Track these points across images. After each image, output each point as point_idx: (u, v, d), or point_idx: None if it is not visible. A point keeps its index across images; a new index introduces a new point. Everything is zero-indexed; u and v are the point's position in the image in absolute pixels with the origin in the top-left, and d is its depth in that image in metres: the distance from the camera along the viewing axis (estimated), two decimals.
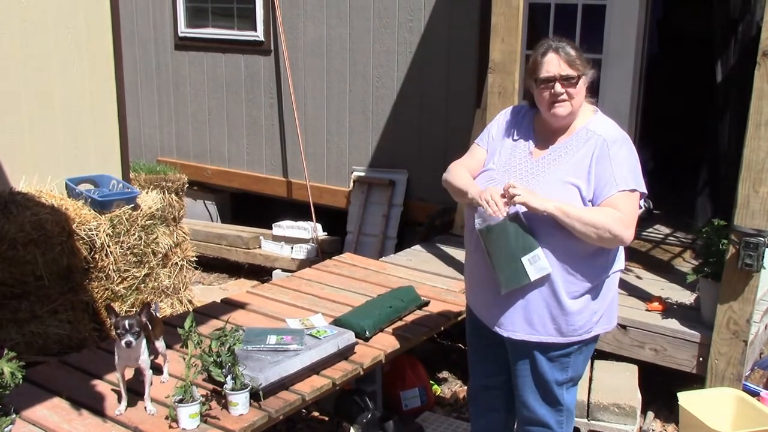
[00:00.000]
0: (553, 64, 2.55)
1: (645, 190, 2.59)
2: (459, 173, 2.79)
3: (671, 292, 4.38)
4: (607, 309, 2.72)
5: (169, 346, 3.35)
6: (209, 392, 2.90)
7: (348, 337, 3.31)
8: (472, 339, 2.97)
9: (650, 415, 4.08)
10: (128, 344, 2.71)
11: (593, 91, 5.65)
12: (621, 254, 2.73)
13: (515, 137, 2.75)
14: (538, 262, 2.51)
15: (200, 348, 2.81)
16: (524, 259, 2.51)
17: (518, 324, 2.66)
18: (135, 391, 2.96)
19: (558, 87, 2.55)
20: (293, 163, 6.88)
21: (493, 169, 2.72)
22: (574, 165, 2.58)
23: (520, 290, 2.61)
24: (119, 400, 2.85)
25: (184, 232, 4.88)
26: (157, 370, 3.06)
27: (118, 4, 4.70)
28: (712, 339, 3.77)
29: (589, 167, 2.55)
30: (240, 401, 2.76)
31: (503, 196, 2.51)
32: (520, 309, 2.65)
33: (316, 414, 4.03)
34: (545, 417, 2.80)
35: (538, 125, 2.73)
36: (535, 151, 2.69)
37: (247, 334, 3.08)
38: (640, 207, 2.65)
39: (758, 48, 3.45)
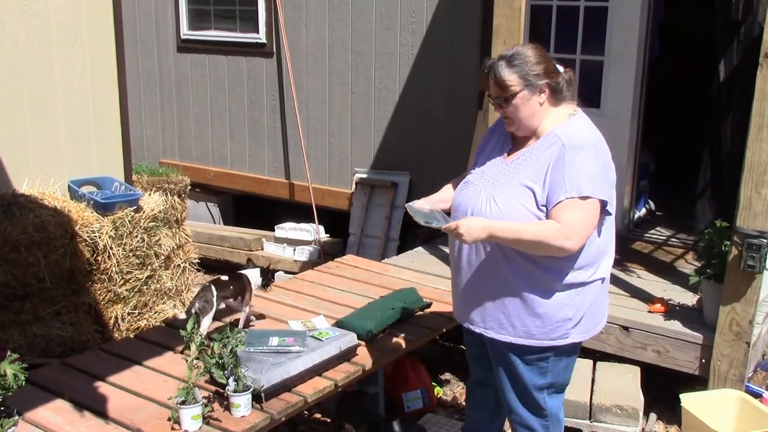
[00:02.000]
0: (489, 84, 2.64)
1: (605, 197, 2.54)
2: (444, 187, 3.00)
3: (673, 294, 4.38)
4: (586, 316, 2.69)
5: (171, 348, 3.37)
6: (211, 394, 2.90)
7: (350, 338, 3.31)
8: (465, 337, 3.03)
9: (653, 416, 4.07)
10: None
11: (596, 92, 5.65)
12: (603, 262, 2.69)
13: (496, 142, 2.81)
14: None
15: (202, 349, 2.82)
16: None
17: (489, 322, 2.72)
18: (136, 392, 2.97)
19: (496, 105, 2.66)
20: (295, 165, 6.88)
21: (471, 173, 2.80)
22: (535, 169, 2.59)
23: (490, 289, 2.68)
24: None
25: (186, 234, 4.88)
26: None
27: (121, 6, 4.71)
28: (715, 340, 3.77)
29: (545, 172, 2.56)
30: (242, 403, 2.77)
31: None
32: (490, 308, 2.70)
33: (318, 416, 4.03)
34: (529, 420, 2.83)
35: None
36: (508, 155, 2.73)
37: (249, 336, 3.08)
38: (608, 212, 2.60)
39: (760, 49, 3.45)
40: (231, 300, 3.45)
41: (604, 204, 2.56)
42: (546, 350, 2.69)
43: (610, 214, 2.61)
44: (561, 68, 2.67)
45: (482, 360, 2.95)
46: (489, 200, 2.63)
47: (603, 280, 2.73)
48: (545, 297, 2.62)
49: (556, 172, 2.53)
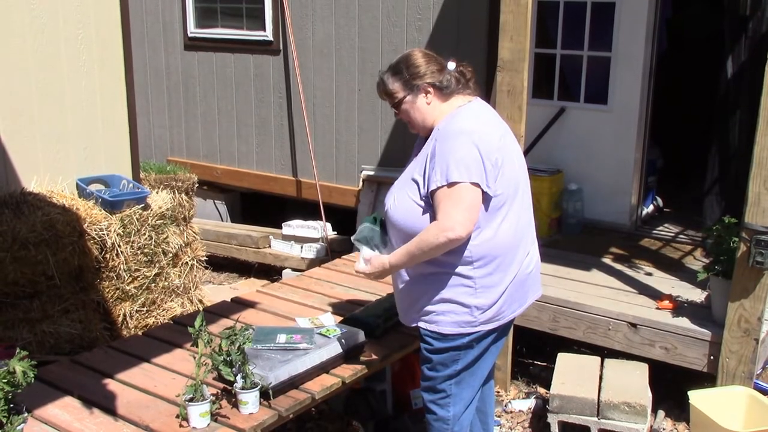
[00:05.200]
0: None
1: (476, 180, 2.60)
2: None
3: (682, 291, 4.37)
4: (493, 307, 2.77)
5: (179, 345, 3.38)
6: (219, 391, 2.91)
7: (358, 335, 3.32)
8: None
9: (661, 413, 4.07)
10: None
11: (603, 88, 5.62)
12: (506, 254, 2.74)
13: (416, 149, 2.94)
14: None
15: (210, 347, 2.83)
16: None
17: (405, 314, 2.93)
18: (145, 389, 2.98)
19: (394, 113, 2.86)
20: (303, 162, 6.89)
21: None
22: (420, 163, 2.75)
23: (405, 288, 2.87)
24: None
25: (194, 232, 4.90)
26: None
27: (128, 4, 4.72)
28: (723, 337, 3.75)
29: (425, 164, 2.70)
30: (250, 400, 2.77)
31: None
32: (401, 299, 2.94)
33: (326, 412, 4.03)
34: (426, 402, 2.96)
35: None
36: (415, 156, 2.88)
37: (256, 334, 3.09)
38: (489, 195, 2.64)
39: None
40: None
41: (479, 186, 2.62)
42: (456, 338, 2.78)
43: (492, 196, 2.66)
44: (452, 65, 2.83)
45: None
46: (392, 198, 2.81)
47: (506, 271, 2.77)
48: (449, 288, 2.74)
49: (431, 164, 2.66)
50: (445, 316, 2.76)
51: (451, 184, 2.59)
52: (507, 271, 2.76)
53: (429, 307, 2.79)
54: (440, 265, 2.73)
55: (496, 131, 2.74)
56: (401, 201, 2.76)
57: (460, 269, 2.71)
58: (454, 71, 2.81)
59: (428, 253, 2.67)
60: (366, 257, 2.87)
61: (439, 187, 2.61)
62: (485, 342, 2.85)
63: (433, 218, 2.67)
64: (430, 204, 2.67)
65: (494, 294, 2.76)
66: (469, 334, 2.78)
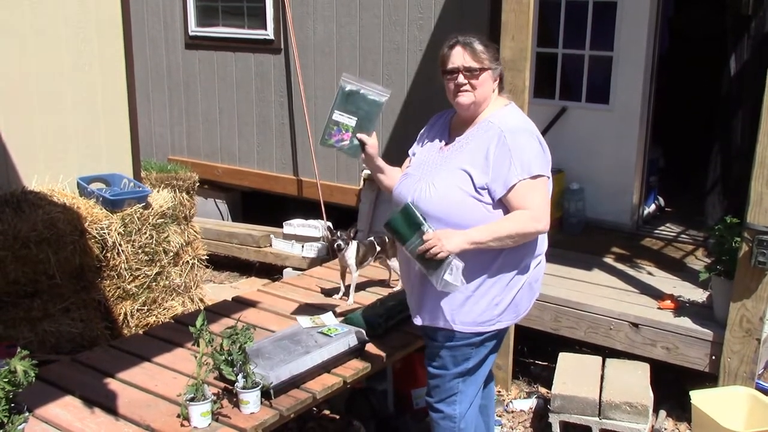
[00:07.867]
0: (457, 57, 2.72)
1: (549, 175, 2.71)
2: None
3: (683, 290, 4.36)
4: (514, 302, 2.78)
5: (180, 345, 3.38)
6: (220, 390, 2.91)
7: (359, 335, 3.31)
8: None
9: (662, 413, 4.06)
10: (339, 248, 3.82)
11: (605, 88, 5.61)
12: (528, 253, 2.76)
13: (432, 136, 2.95)
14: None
15: (211, 346, 2.82)
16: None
17: (424, 314, 2.85)
18: (146, 389, 2.98)
19: (461, 78, 2.72)
20: (303, 161, 6.88)
21: (410, 165, 2.94)
22: (471, 153, 2.71)
23: (424, 284, 2.77)
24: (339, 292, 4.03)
25: (195, 231, 4.89)
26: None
27: (129, 3, 4.71)
28: (725, 337, 3.75)
29: (486, 157, 2.66)
30: (251, 399, 2.77)
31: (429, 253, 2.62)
32: (423, 299, 2.82)
33: (327, 412, 4.03)
34: (433, 401, 2.95)
35: (454, 122, 2.92)
36: (445, 145, 2.86)
37: None
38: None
39: None
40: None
41: (548, 180, 2.72)
42: (472, 336, 2.78)
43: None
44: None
45: None
46: (428, 186, 2.73)
47: (527, 268, 2.79)
48: (474, 285, 2.72)
49: (502, 157, 2.64)
50: (467, 315, 2.76)
51: (534, 177, 2.63)
52: (528, 268, 2.80)
53: (456, 309, 2.75)
54: (497, 264, 2.73)
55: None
56: (446, 190, 2.69)
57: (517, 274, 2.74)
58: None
59: (514, 240, 2.65)
60: (427, 236, 2.61)
61: (521, 180, 2.61)
62: (496, 339, 2.86)
63: (485, 211, 2.66)
64: (489, 196, 2.66)
65: (513, 291, 2.77)
66: (485, 332, 2.78)
